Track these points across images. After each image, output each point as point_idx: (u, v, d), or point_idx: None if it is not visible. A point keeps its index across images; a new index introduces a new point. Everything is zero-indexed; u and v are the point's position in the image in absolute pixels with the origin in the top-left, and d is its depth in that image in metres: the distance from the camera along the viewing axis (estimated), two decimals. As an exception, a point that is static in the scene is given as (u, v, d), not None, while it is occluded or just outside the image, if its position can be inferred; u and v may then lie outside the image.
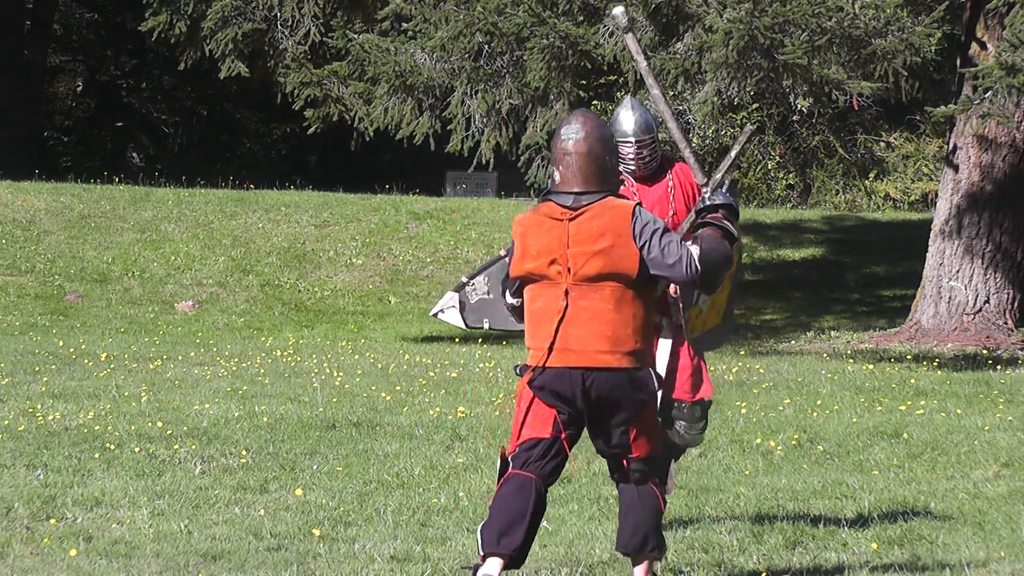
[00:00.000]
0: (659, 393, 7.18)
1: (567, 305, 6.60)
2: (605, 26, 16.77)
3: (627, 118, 7.94)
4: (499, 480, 6.70)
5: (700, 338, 7.92)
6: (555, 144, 6.75)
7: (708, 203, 6.98)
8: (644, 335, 6.67)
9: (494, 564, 6.58)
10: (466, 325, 7.60)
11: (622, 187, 7.93)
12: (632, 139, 7.92)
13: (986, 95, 15.91)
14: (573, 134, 6.69)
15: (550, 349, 6.60)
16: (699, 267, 6.65)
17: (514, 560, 6.61)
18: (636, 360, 6.63)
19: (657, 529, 6.76)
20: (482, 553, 6.60)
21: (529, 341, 6.72)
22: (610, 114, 8.41)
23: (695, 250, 6.68)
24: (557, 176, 6.71)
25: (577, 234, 6.62)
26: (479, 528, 6.65)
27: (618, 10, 6.96)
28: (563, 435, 6.64)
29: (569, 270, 6.61)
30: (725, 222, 6.92)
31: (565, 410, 6.63)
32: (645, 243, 6.62)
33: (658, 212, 7.92)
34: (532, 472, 6.64)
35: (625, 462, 6.73)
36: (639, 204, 6.73)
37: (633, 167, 7.96)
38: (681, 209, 7.95)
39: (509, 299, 6.88)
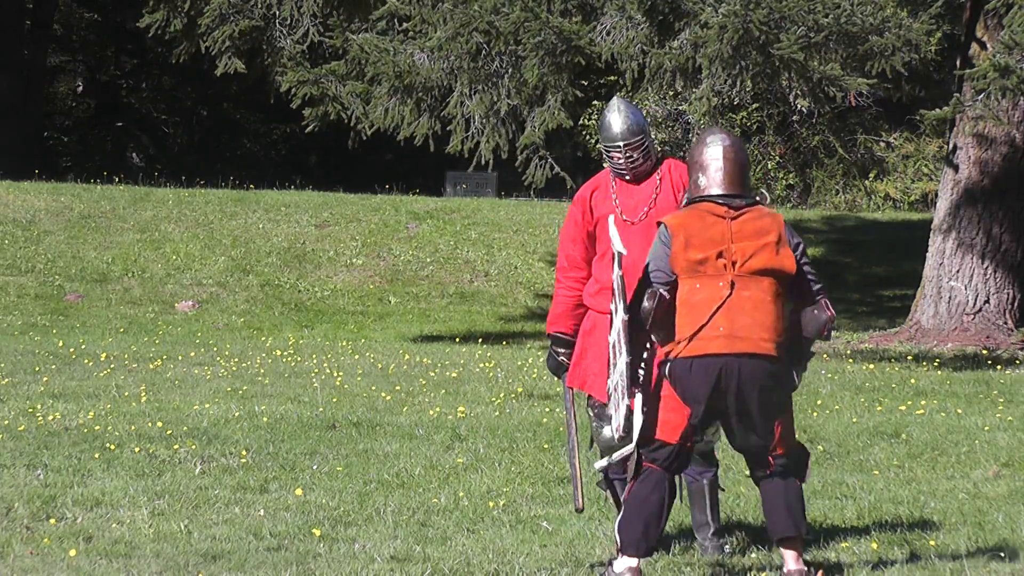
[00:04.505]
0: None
1: (730, 294, 6.93)
2: (602, 24, 16.77)
3: (615, 121, 7.85)
4: (636, 469, 6.99)
5: None
6: (702, 152, 7.13)
7: None
8: (786, 331, 7.06)
9: (631, 563, 6.95)
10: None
11: (612, 186, 7.91)
12: (620, 143, 7.83)
13: (979, 96, 15.92)
14: (721, 142, 7.13)
15: (727, 336, 6.90)
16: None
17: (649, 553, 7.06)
18: (784, 352, 6.99)
19: (804, 515, 7.11)
20: (623, 552, 6.97)
21: (685, 331, 6.95)
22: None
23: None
24: (704, 180, 7.10)
25: (740, 231, 7.00)
26: (617, 523, 7.00)
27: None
28: (688, 444, 7.01)
29: (734, 263, 6.95)
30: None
31: (704, 401, 6.88)
32: (795, 248, 7.10)
33: (640, 206, 7.84)
34: (662, 467, 7.00)
35: (771, 459, 7.03)
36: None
37: (623, 169, 7.88)
38: (665, 204, 7.83)
39: (646, 303, 6.98)
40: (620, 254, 6.98)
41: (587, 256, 7.97)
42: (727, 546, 7.90)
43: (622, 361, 6.93)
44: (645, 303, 6.98)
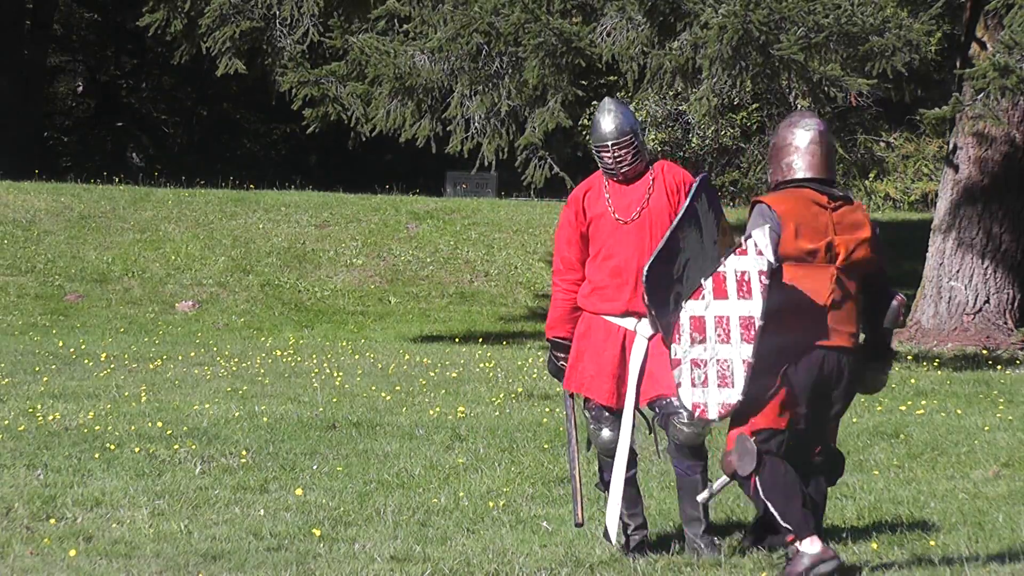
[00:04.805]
0: (635, 388, 7.57)
1: (834, 287, 6.95)
2: (602, 25, 16.78)
3: (604, 121, 7.86)
4: (758, 461, 6.89)
5: None
6: (794, 134, 7.10)
7: None
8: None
9: (816, 542, 6.89)
10: None
11: (605, 186, 7.91)
12: (608, 142, 7.84)
13: (979, 96, 15.92)
14: (814, 126, 7.10)
15: (830, 328, 6.93)
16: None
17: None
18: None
19: (822, 519, 7.29)
20: (801, 536, 6.87)
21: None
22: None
23: None
24: (800, 163, 7.07)
25: (840, 223, 7.02)
26: (780, 515, 6.89)
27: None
28: (792, 431, 7.00)
29: (837, 255, 6.97)
30: None
31: (809, 391, 6.91)
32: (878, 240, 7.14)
33: (633, 206, 7.85)
34: (775, 455, 6.99)
35: (816, 455, 7.13)
36: None
37: (612, 169, 7.89)
38: (658, 204, 7.84)
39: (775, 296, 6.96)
40: (771, 264, 6.83)
41: (582, 258, 7.97)
42: (722, 545, 7.90)
43: (734, 354, 6.84)
44: (775, 296, 6.93)
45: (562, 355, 8.05)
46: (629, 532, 7.91)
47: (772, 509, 6.91)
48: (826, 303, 6.92)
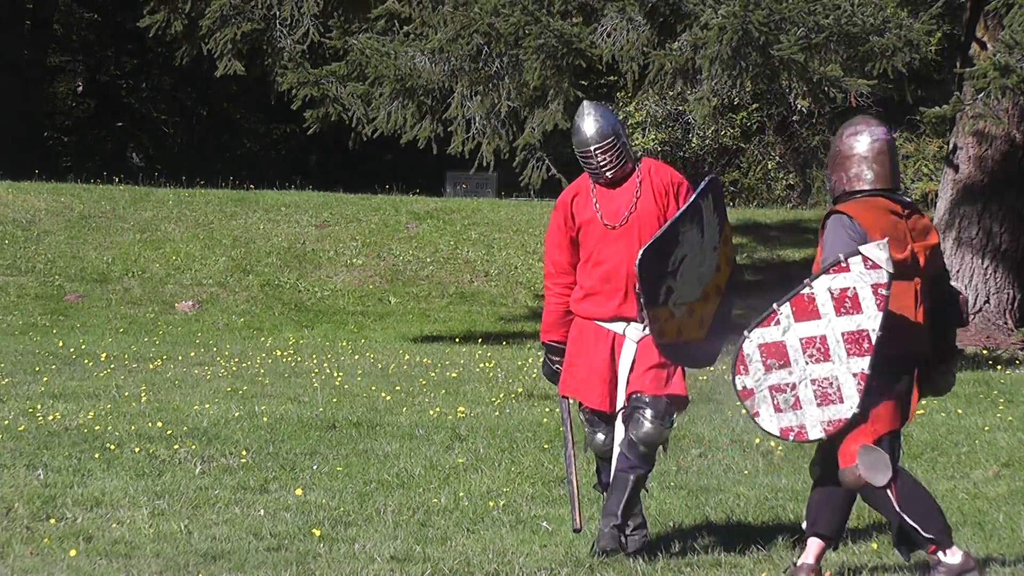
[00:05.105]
0: (624, 390, 7.56)
1: (918, 298, 6.85)
2: (602, 26, 16.79)
3: (585, 126, 7.81)
4: (894, 470, 6.78)
5: (673, 348, 7.58)
6: (859, 141, 7.01)
7: None
8: None
9: (957, 552, 6.77)
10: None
11: (592, 190, 7.89)
12: (591, 146, 7.79)
13: (979, 96, 15.93)
14: (880, 135, 7.02)
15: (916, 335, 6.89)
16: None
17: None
18: None
19: None
20: (944, 547, 6.74)
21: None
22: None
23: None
24: (870, 174, 6.95)
25: (914, 229, 6.94)
26: (921, 527, 6.74)
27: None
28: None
29: (918, 264, 6.90)
30: None
31: (900, 396, 6.86)
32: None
33: (621, 210, 7.83)
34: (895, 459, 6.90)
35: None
36: None
37: (597, 173, 7.85)
38: (646, 207, 7.83)
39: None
40: (891, 275, 6.73)
41: (572, 261, 7.94)
42: (622, 539, 7.76)
43: (839, 370, 6.74)
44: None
45: (556, 359, 8.04)
46: (629, 532, 7.91)
47: (911, 521, 6.76)
48: (916, 315, 6.83)
